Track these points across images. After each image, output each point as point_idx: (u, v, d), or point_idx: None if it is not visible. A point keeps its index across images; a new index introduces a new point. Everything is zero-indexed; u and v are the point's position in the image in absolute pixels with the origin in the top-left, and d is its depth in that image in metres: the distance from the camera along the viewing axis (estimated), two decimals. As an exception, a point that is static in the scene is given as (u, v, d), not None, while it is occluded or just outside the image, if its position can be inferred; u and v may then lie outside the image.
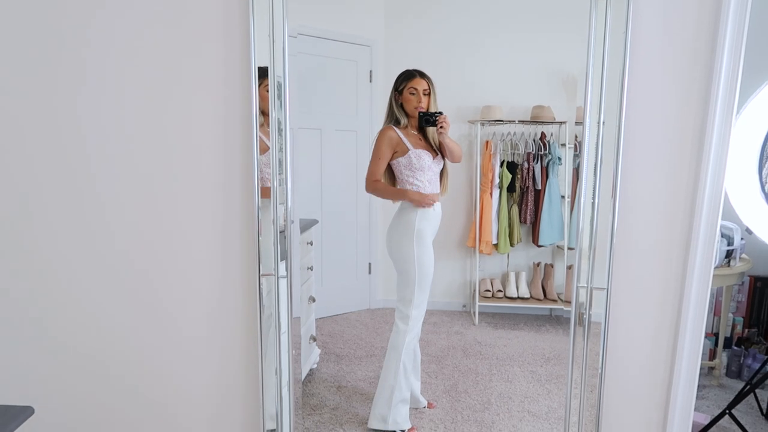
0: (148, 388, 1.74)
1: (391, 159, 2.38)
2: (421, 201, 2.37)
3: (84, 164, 1.61)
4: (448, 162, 2.47)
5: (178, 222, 1.62)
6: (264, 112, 1.43)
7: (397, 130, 2.39)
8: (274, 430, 1.60)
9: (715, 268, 2.65)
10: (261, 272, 1.43)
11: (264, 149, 1.46)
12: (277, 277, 1.43)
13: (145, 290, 1.68)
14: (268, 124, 1.43)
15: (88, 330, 1.71)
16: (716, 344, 3.00)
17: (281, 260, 1.46)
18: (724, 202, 1.42)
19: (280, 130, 1.42)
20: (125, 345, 1.71)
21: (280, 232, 1.46)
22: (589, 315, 1.50)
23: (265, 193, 1.48)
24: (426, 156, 2.38)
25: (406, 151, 2.36)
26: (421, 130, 2.39)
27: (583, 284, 1.46)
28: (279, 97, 1.40)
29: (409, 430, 2.38)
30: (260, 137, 1.45)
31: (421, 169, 2.37)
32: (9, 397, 1.65)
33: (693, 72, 1.41)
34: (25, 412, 1.06)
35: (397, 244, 2.42)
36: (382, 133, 2.40)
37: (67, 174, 1.61)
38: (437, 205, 2.44)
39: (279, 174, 1.43)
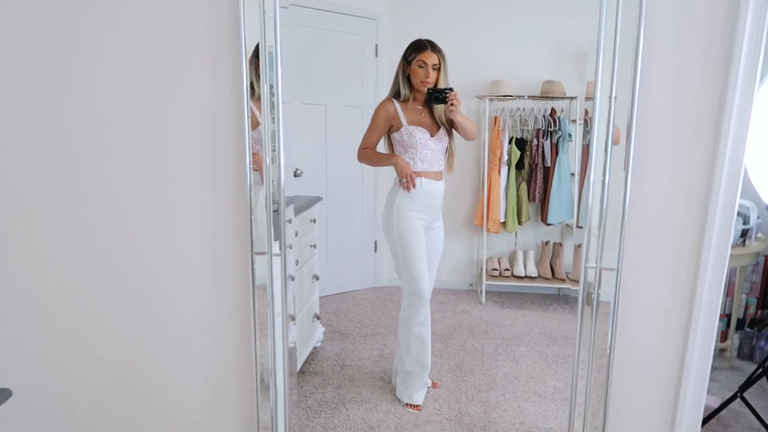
0: (139, 371, 1.71)
1: (390, 132, 2.32)
2: (402, 172, 2.26)
3: (70, 145, 1.55)
4: (456, 139, 2.35)
5: (168, 201, 1.56)
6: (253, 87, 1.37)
7: (396, 104, 2.29)
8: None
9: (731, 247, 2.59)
10: (254, 251, 1.39)
11: (256, 124, 1.40)
12: (271, 255, 1.38)
13: (137, 273, 1.63)
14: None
15: (78, 313, 1.67)
16: (728, 325, 2.95)
17: (275, 239, 1.41)
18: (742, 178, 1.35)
19: (272, 103, 1.35)
20: (114, 324, 1.67)
21: (274, 211, 1.40)
22: (598, 294, 1.44)
23: (258, 169, 1.42)
24: (419, 133, 2.26)
25: (399, 126, 2.28)
26: (428, 106, 2.28)
27: (592, 264, 1.41)
28: (271, 67, 1.34)
29: (412, 406, 2.37)
30: (253, 112, 1.38)
31: (413, 146, 2.28)
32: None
33: (712, 41, 1.33)
34: (3, 394, 1.03)
35: (383, 221, 2.38)
36: (380, 105, 2.32)
37: (54, 154, 1.56)
38: (433, 183, 2.31)
39: (272, 150, 1.37)
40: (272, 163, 1.39)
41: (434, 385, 2.48)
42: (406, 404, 2.37)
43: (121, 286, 1.65)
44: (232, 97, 1.42)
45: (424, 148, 2.27)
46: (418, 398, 2.38)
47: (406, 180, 2.26)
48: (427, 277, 2.34)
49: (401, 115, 2.27)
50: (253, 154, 1.41)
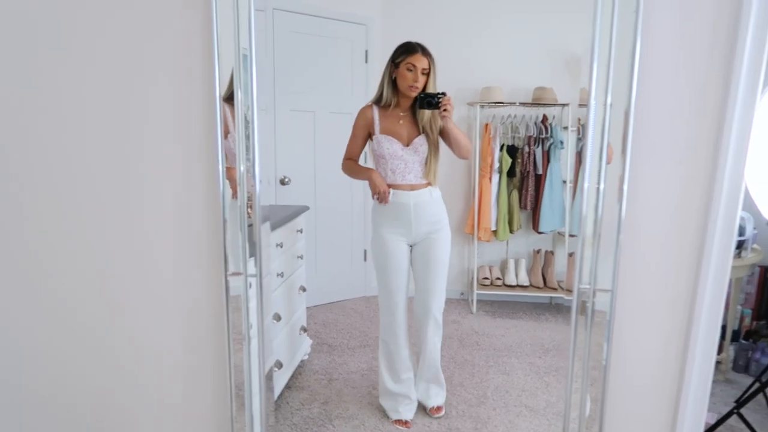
0: (112, 398, 1.64)
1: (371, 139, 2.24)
2: (374, 188, 2.17)
3: (33, 159, 1.47)
4: (444, 148, 2.23)
5: (138, 216, 1.47)
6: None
7: (375, 110, 2.20)
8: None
9: (724, 258, 2.54)
10: (228, 271, 1.30)
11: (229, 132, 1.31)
12: (246, 276, 1.29)
13: (105, 289, 1.55)
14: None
15: (46, 324, 1.59)
16: (723, 337, 2.90)
17: (249, 257, 1.32)
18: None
19: (246, 109, 1.27)
20: (84, 348, 1.60)
21: (249, 225, 1.31)
22: (593, 303, 1.38)
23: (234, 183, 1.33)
24: (388, 143, 2.16)
25: (373, 134, 2.20)
26: (413, 113, 2.19)
27: (586, 285, 1.34)
28: (245, 71, 1.25)
29: (401, 422, 2.30)
30: (228, 121, 1.31)
31: (382, 156, 2.19)
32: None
33: (713, 48, 1.27)
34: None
35: None
36: (360, 111, 2.23)
37: (16, 168, 1.48)
38: (406, 195, 2.18)
39: (246, 160, 1.29)
40: (247, 173, 1.30)
41: (433, 411, 2.38)
42: (394, 421, 2.30)
43: (88, 304, 1.56)
44: (205, 104, 1.34)
45: (395, 158, 2.17)
46: (406, 414, 2.31)
47: (379, 196, 2.18)
48: (401, 293, 2.26)
49: (377, 122, 2.19)
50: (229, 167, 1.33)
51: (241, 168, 1.29)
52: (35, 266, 1.55)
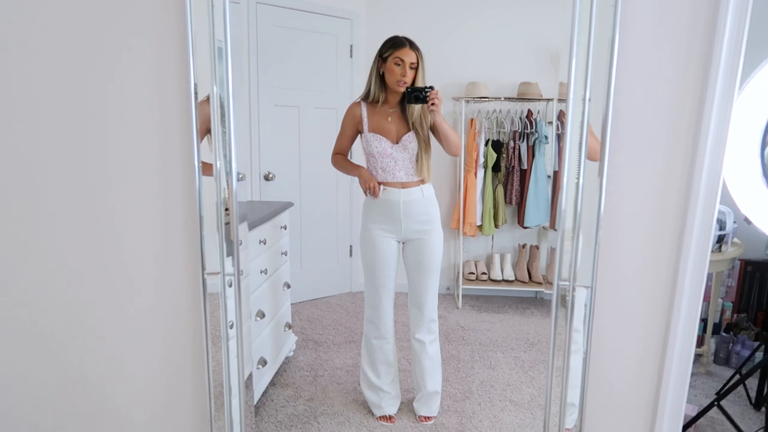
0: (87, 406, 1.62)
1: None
2: (364, 183, 2.17)
3: (7, 153, 1.44)
4: (435, 144, 2.19)
5: (114, 215, 1.44)
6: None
7: (363, 108, 2.18)
8: None
9: (705, 251, 2.56)
10: (205, 271, 1.28)
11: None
12: (224, 275, 1.26)
13: (81, 288, 1.52)
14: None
15: (24, 322, 1.56)
16: (704, 330, 2.93)
17: (227, 256, 1.30)
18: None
19: (221, 103, 1.25)
20: (61, 344, 1.57)
21: (225, 223, 1.29)
22: (573, 298, 1.39)
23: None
24: (376, 141, 2.14)
25: (362, 131, 2.19)
26: (402, 110, 2.17)
27: (565, 282, 1.34)
28: (219, 63, 1.23)
29: (385, 418, 2.30)
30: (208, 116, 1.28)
31: (371, 154, 2.18)
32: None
33: (691, 44, 1.28)
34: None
35: None
36: (348, 108, 2.22)
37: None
38: (396, 193, 2.16)
39: (223, 156, 1.27)
40: (224, 170, 1.28)
41: (421, 419, 2.33)
42: (379, 417, 2.29)
43: (60, 303, 1.53)
44: (181, 99, 1.32)
45: (384, 156, 2.15)
46: (389, 409, 2.31)
47: (370, 190, 2.17)
48: (387, 290, 2.25)
49: (365, 120, 2.17)
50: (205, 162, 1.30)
51: (217, 164, 1.26)
52: (5, 263, 1.52)
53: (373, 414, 2.31)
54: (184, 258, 1.43)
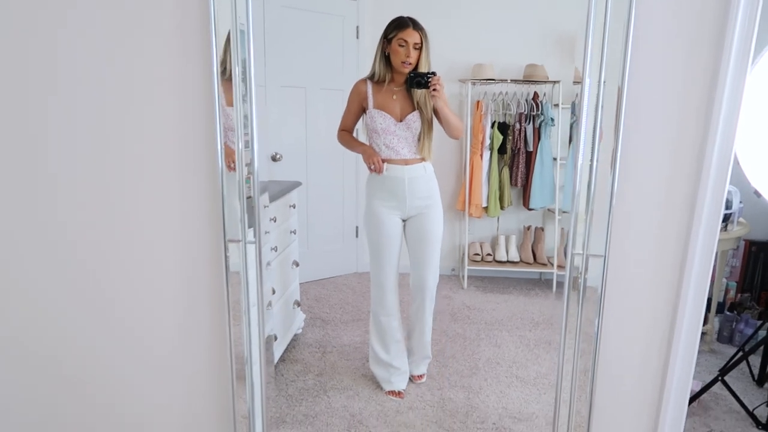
0: (111, 364, 1.66)
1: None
2: (367, 159, 2.22)
3: (30, 130, 1.48)
4: (435, 124, 2.24)
5: (137, 189, 1.49)
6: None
7: (369, 85, 2.22)
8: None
9: (710, 232, 2.59)
10: (227, 238, 1.33)
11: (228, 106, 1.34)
12: (245, 243, 1.32)
13: (107, 264, 1.57)
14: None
15: (47, 305, 1.61)
16: (708, 309, 2.97)
17: (249, 227, 1.35)
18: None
19: (244, 84, 1.29)
20: (83, 320, 1.62)
21: (247, 197, 1.34)
22: (585, 279, 1.42)
23: (231, 156, 1.36)
24: (380, 118, 2.18)
25: (367, 108, 2.22)
26: (407, 89, 2.18)
27: (579, 251, 1.38)
28: (242, 46, 1.26)
29: (394, 393, 2.34)
30: (227, 95, 1.32)
31: (375, 131, 2.22)
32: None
33: (703, 23, 1.29)
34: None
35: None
36: (354, 85, 2.26)
37: (16, 140, 1.49)
38: (400, 169, 2.21)
39: (245, 134, 1.31)
40: (245, 147, 1.33)
41: (417, 378, 2.45)
42: (388, 392, 2.34)
43: (90, 277, 1.58)
44: (203, 79, 1.36)
45: (387, 133, 2.19)
46: (399, 384, 2.36)
47: (374, 165, 2.21)
48: (392, 264, 2.30)
49: (370, 97, 2.20)
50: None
51: (240, 144, 1.31)
52: (40, 236, 1.57)
53: (382, 388, 2.36)
54: (208, 230, 1.49)
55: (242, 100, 1.28)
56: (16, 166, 1.52)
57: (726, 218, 2.60)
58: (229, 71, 1.30)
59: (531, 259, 3.51)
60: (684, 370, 1.50)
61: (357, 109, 2.26)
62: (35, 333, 1.64)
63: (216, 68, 1.29)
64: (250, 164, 1.34)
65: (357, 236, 3.73)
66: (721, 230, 2.68)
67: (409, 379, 2.43)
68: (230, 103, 1.31)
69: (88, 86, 1.44)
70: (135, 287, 1.59)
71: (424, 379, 2.44)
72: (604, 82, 1.31)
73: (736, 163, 1.90)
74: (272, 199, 2.35)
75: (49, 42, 1.43)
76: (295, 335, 2.77)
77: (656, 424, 1.57)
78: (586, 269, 1.41)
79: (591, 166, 1.34)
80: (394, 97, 2.20)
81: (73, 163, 1.50)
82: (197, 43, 1.36)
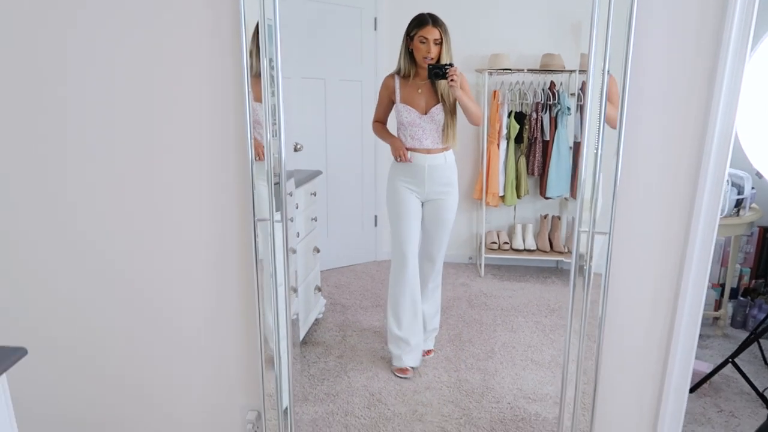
0: (143, 345, 1.76)
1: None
2: (395, 152, 2.41)
3: (70, 122, 1.58)
4: (461, 115, 2.39)
5: (171, 178, 1.60)
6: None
7: (396, 80, 2.37)
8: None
9: (724, 217, 2.62)
10: (256, 218, 1.46)
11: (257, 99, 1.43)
12: (272, 222, 1.44)
13: (142, 248, 1.67)
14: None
15: (82, 291, 1.72)
16: (722, 295, 3.00)
17: (276, 210, 1.47)
18: (735, 149, 1.37)
19: (272, 78, 1.38)
20: (120, 301, 1.73)
21: (275, 183, 1.46)
22: (590, 263, 1.48)
23: (257, 148, 1.46)
24: (406, 112, 2.35)
25: (395, 102, 2.38)
26: (432, 83, 2.33)
27: (585, 228, 1.44)
28: (270, 41, 1.36)
29: (400, 369, 2.43)
30: (255, 87, 1.41)
31: (402, 124, 2.39)
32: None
33: (704, 10, 1.33)
34: (18, 352, 1.08)
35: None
36: (384, 80, 2.42)
37: (49, 135, 1.59)
38: (423, 158, 2.38)
39: (273, 124, 1.41)
40: (273, 137, 1.43)
41: (426, 354, 2.55)
42: (396, 369, 2.43)
43: (125, 260, 1.69)
44: (233, 73, 1.45)
45: (413, 126, 2.35)
46: (408, 361, 2.44)
47: (400, 157, 2.38)
48: (412, 239, 2.44)
49: (398, 92, 2.35)
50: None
51: (268, 135, 1.42)
52: (73, 212, 1.68)
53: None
54: (236, 215, 1.60)
55: (270, 93, 1.37)
56: (57, 159, 1.62)
57: (738, 203, 2.63)
58: (257, 66, 1.39)
59: (548, 248, 3.55)
60: (686, 350, 1.56)
61: (387, 102, 2.42)
62: (67, 314, 1.75)
63: (246, 64, 1.39)
64: (277, 153, 1.44)
65: (376, 225, 3.80)
66: (733, 215, 2.72)
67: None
68: (258, 98, 1.40)
69: (128, 83, 1.55)
70: (166, 274, 1.70)
71: (432, 355, 2.56)
72: (608, 71, 1.37)
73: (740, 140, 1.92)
74: (296, 185, 2.46)
75: (89, 43, 1.52)
76: (317, 319, 2.86)
77: (659, 402, 1.63)
78: (591, 254, 1.47)
79: (596, 153, 1.40)
80: (420, 90, 2.33)
81: (114, 154, 1.61)
82: (228, 39, 1.45)
